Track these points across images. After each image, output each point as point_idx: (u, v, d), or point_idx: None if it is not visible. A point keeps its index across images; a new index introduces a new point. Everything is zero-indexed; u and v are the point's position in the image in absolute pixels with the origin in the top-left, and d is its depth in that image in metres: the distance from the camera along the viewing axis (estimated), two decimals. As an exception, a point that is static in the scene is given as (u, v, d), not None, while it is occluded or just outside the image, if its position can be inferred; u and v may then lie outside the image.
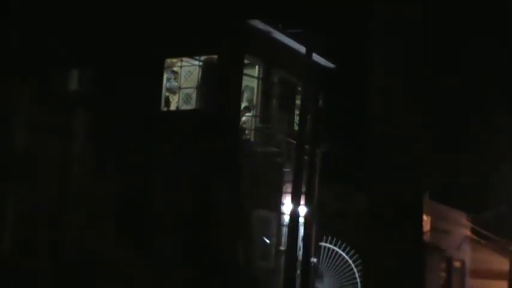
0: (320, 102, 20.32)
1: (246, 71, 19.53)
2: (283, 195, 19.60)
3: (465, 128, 28.54)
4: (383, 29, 7.19)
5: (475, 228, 30.31)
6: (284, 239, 18.94)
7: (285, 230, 18.95)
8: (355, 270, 21.12)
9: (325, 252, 21.41)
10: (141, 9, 19.02)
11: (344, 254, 21.34)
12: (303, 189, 17.95)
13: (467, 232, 30.74)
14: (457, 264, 30.48)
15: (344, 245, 21.35)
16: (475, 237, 30.54)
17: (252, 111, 19.86)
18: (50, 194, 16.24)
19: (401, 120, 7.08)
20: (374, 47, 7.21)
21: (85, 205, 17.06)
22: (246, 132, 19.66)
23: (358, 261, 20.65)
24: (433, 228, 26.69)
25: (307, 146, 18.28)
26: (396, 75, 7.13)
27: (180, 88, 19.93)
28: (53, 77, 17.80)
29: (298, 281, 17.81)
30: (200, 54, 19.33)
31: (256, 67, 19.91)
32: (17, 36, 16.97)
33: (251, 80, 19.81)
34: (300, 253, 18.09)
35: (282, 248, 19.09)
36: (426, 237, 24.46)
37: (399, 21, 7.13)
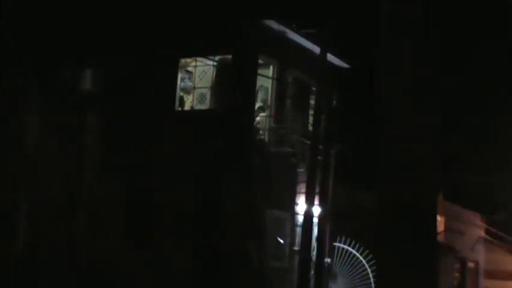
0: (334, 102, 20.32)
1: (260, 71, 19.55)
2: (297, 196, 19.61)
3: (479, 127, 28.44)
4: (390, 28, 7.19)
5: (489, 228, 30.18)
6: (298, 239, 18.95)
7: (298, 230, 18.96)
8: (369, 270, 21.09)
9: (339, 253, 21.39)
10: (156, 8, 19.09)
11: (358, 255, 21.32)
12: (317, 190, 17.95)
13: (482, 233, 30.62)
14: (471, 265, 30.36)
15: (358, 245, 21.33)
16: (489, 237, 30.41)
17: (266, 111, 19.88)
18: (61, 194, 16.30)
19: (413, 119, 7.09)
20: (382, 47, 7.22)
21: (97, 205, 17.12)
22: (260, 132, 19.68)
23: (372, 262, 20.63)
24: (446, 229, 26.59)
25: (321, 146, 18.28)
26: (406, 75, 7.14)
27: (194, 88, 19.98)
28: (65, 76, 17.87)
29: (312, 281, 17.81)
30: (214, 54, 19.36)
31: (271, 67, 19.93)
32: (32, 34, 17.07)
33: (265, 80, 19.83)
34: (314, 253, 18.09)
35: (296, 248, 19.09)
36: (440, 238, 24.39)
37: (406, 21, 7.13)
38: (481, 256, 30.70)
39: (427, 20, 7.16)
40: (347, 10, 18.87)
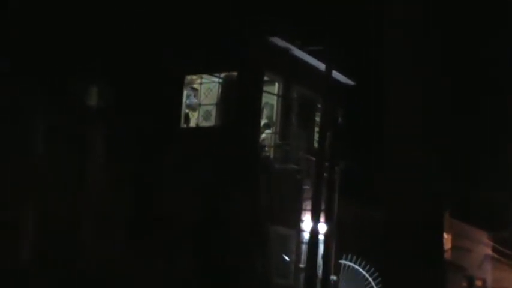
0: (339, 119, 20.29)
1: (265, 88, 19.56)
2: (303, 213, 19.55)
3: (486, 144, 28.33)
4: (395, 41, 7.17)
5: (496, 246, 30.05)
6: (303, 256, 18.86)
7: (304, 247, 18.88)
8: (374, 288, 20.99)
9: (345, 270, 21.29)
10: (162, 26, 19.14)
11: (364, 272, 21.21)
12: (323, 207, 17.88)
13: (489, 250, 30.48)
14: (478, 283, 30.20)
15: (364, 262, 21.23)
16: (496, 255, 30.27)
17: (271, 128, 19.87)
18: (67, 205, 16.31)
19: (420, 136, 7.05)
20: (388, 60, 7.19)
21: (104, 219, 17.11)
22: (266, 149, 19.65)
23: (378, 279, 20.51)
24: (454, 247, 26.48)
25: (326, 163, 18.23)
26: (411, 90, 7.10)
27: (199, 105, 19.99)
28: (73, 91, 17.93)
29: (317, 299, 17.70)
30: (220, 71, 19.39)
31: (276, 84, 19.94)
32: (42, 49, 17.16)
33: (271, 97, 19.83)
34: (320, 271, 18.00)
35: (302, 265, 19.01)
36: (447, 256, 24.27)
37: (411, 32, 7.11)
38: (488, 274, 30.54)
39: (431, 30, 7.14)
40: (352, 27, 18.88)
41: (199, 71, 19.68)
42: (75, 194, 16.57)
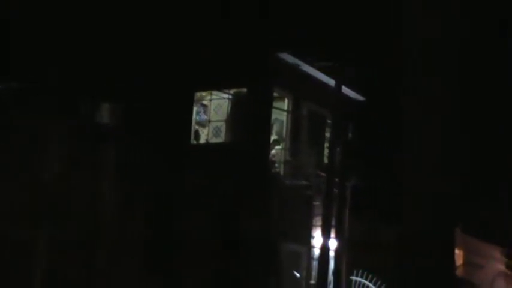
0: (350, 135, 20.25)
1: (275, 104, 19.56)
2: (313, 229, 19.48)
3: (500, 157, 28.16)
4: (414, 56, 7.13)
5: (510, 263, 29.81)
6: (314, 272, 18.77)
7: (315, 263, 18.79)
8: (386, 305, 20.86)
9: (356, 286, 21.17)
10: (171, 42, 19.20)
11: (375, 288, 21.10)
12: (333, 223, 17.81)
13: (502, 267, 30.23)
14: (490, 299, 29.93)
15: (374, 278, 21.11)
16: (509, 272, 30.01)
17: (281, 144, 19.84)
18: (78, 228, 16.27)
19: (433, 150, 7.00)
20: (407, 79, 7.16)
21: (114, 240, 17.06)
22: (275, 165, 19.62)
23: (390, 296, 20.39)
24: (465, 263, 26.27)
25: (336, 179, 18.17)
26: (429, 104, 7.07)
27: (209, 121, 20.01)
28: (81, 109, 17.97)
29: (328, 316, 17.60)
30: (229, 88, 19.41)
31: (286, 100, 19.94)
32: (50, 68, 17.22)
33: (280, 112, 19.83)
34: (331, 287, 17.91)
35: (312, 282, 18.92)
36: (458, 272, 24.08)
37: (431, 47, 7.08)
38: (500, 291, 30.27)
39: (451, 48, 7.11)
40: (363, 43, 18.87)
41: (209, 87, 19.72)
42: (88, 216, 16.53)
